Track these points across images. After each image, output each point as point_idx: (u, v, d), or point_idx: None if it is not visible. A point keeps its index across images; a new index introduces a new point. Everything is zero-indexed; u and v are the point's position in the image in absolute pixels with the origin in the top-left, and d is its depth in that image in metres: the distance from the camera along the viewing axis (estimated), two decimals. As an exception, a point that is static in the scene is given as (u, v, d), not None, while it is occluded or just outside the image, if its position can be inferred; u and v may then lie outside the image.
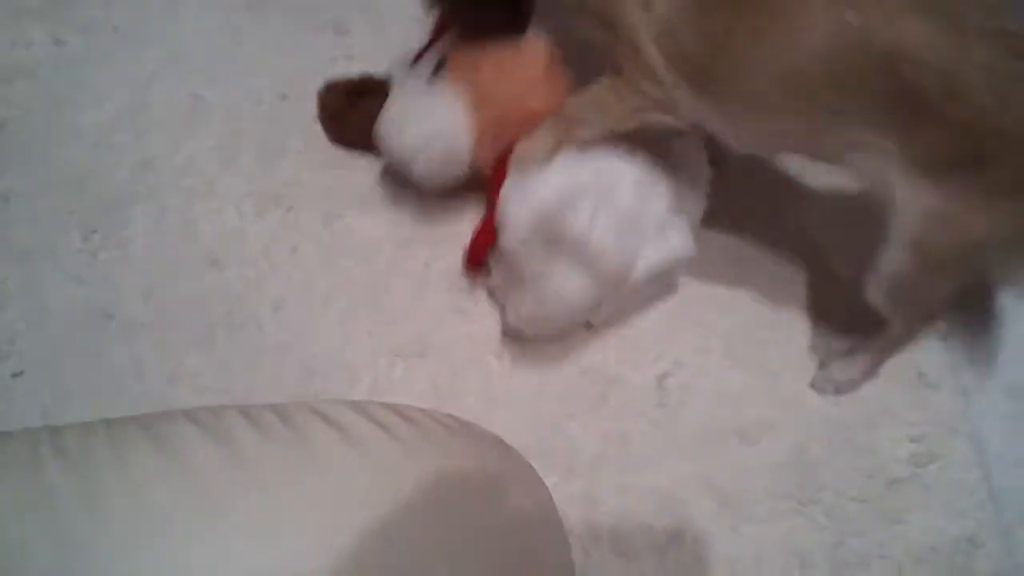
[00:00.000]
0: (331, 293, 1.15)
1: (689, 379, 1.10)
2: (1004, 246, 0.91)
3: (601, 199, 0.99)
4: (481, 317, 1.14)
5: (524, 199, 1.00)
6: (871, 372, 1.08)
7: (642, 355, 1.12)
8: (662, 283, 1.12)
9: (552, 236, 0.99)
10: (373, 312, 1.14)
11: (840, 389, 1.08)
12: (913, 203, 0.87)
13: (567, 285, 1.02)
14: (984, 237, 0.89)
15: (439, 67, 1.08)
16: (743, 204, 1.18)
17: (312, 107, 1.27)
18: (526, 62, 1.04)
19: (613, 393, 1.09)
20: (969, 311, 1.13)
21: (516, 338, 1.12)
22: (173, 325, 1.12)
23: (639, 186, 1.01)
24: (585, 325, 1.12)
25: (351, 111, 1.23)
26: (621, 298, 1.07)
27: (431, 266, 1.17)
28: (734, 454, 1.06)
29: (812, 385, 1.09)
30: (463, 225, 1.18)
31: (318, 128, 1.26)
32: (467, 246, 1.11)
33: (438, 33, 1.12)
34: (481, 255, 1.10)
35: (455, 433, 0.72)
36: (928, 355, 1.10)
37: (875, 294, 0.96)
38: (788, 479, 1.04)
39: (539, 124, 1.01)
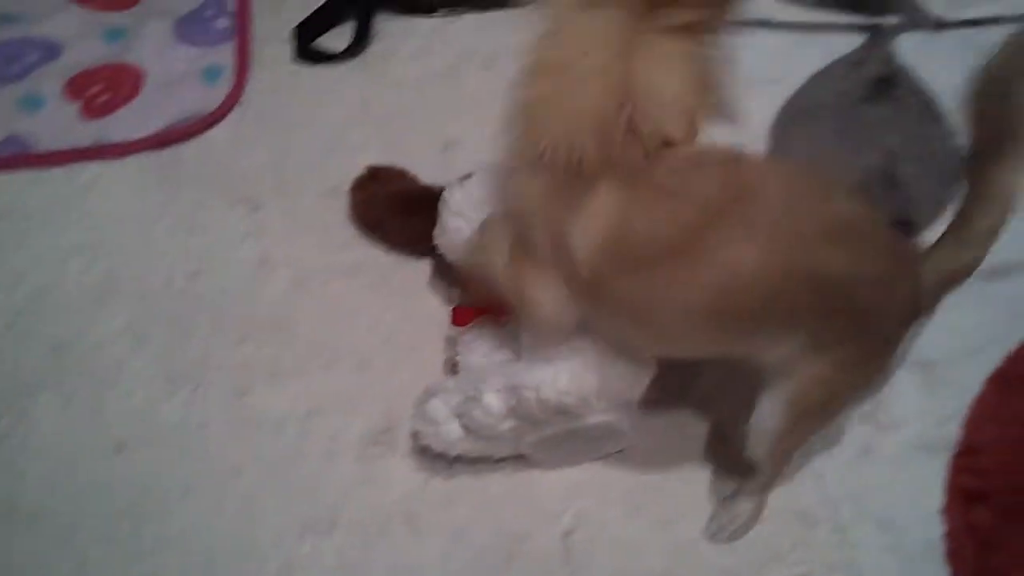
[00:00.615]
0: (240, 470, 1.20)
1: (593, 533, 1.15)
2: (859, 397, 1.07)
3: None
4: (391, 486, 1.19)
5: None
6: (755, 516, 1.15)
7: (547, 512, 1.17)
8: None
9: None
10: (282, 487, 1.19)
11: (731, 536, 1.14)
12: (802, 372, 0.98)
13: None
14: (847, 392, 1.03)
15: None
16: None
17: (223, 280, 1.35)
18: None
19: (520, 554, 1.14)
20: (841, 446, 1.20)
21: (426, 504, 1.17)
22: (78, 515, 1.16)
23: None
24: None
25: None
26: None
27: (339, 437, 1.22)
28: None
29: (705, 534, 1.15)
30: (372, 394, 1.25)
31: (228, 303, 1.34)
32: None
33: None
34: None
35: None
36: (806, 493, 1.18)
37: (754, 448, 1.05)
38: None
39: None
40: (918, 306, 1.00)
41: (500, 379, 1.11)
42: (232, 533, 1.15)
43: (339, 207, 1.41)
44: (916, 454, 1.20)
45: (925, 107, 1.58)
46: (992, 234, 0.97)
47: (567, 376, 1.07)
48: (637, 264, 0.95)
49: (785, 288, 0.92)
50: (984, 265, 1.34)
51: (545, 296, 1.02)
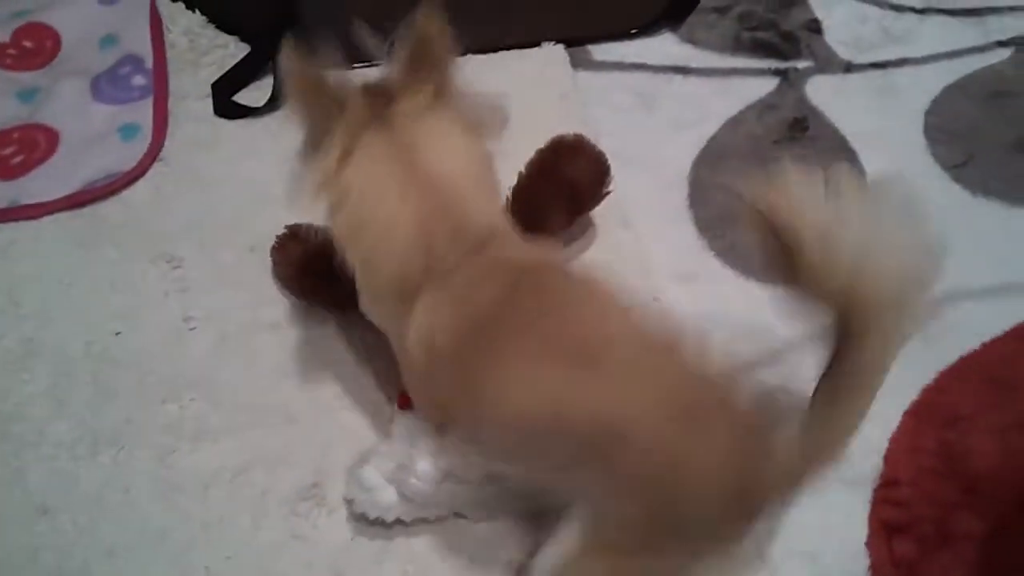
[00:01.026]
0: (166, 531, 1.22)
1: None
2: None
3: None
4: (321, 541, 1.21)
5: None
6: None
7: (481, 563, 1.20)
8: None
9: None
10: (210, 548, 1.20)
11: None
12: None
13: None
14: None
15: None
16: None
17: (145, 339, 1.38)
18: None
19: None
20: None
21: (355, 561, 1.20)
22: (2, 581, 1.16)
23: None
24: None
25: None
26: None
27: (269, 494, 1.25)
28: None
29: None
30: (300, 450, 1.28)
31: (151, 362, 1.36)
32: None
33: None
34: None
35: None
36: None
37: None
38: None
39: None
40: (747, 505, 0.89)
41: (432, 442, 1.15)
42: (160, 594, 1.18)
43: (262, 262, 1.44)
44: (841, 487, 1.26)
45: (839, 147, 1.69)
46: (860, 418, 0.88)
47: None
48: (445, 366, 1.00)
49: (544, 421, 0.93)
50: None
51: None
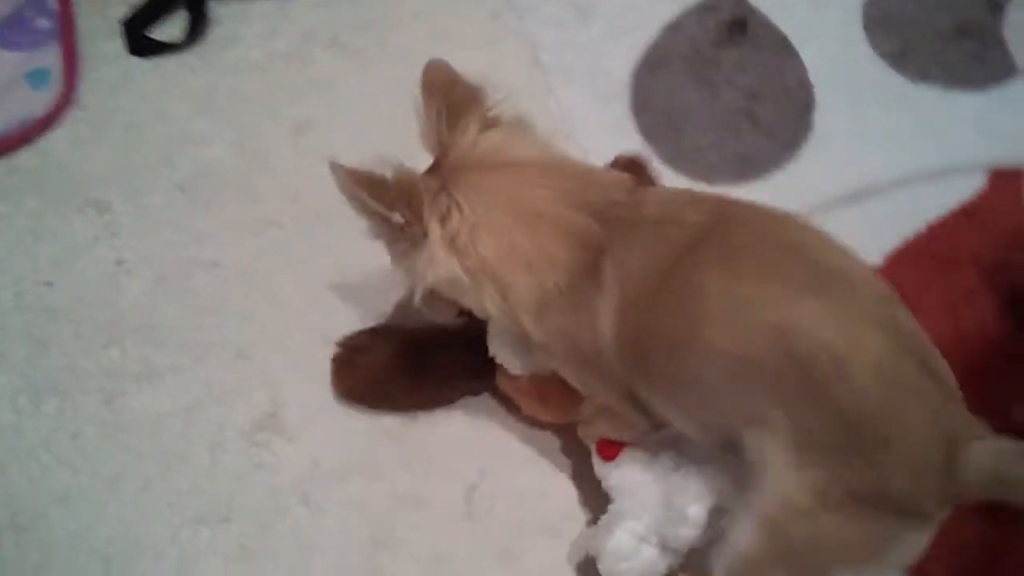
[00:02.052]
0: (121, 474, 1.29)
1: (494, 487, 1.29)
2: (851, 560, 0.98)
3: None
4: (283, 467, 1.30)
5: None
6: None
7: (445, 474, 1.30)
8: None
9: None
10: (169, 485, 1.28)
11: None
12: (778, 484, 0.95)
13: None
14: (836, 542, 0.96)
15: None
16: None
17: (78, 286, 1.44)
18: None
19: (424, 514, 1.27)
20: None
21: (320, 482, 1.28)
22: (-44, 536, 1.23)
23: None
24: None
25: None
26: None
27: (224, 428, 1.33)
28: (542, 550, 1.25)
29: None
30: (253, 382, 1.36)
31: (87, 309, 1.42)
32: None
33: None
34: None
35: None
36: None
37: (718, 568, 1.04)
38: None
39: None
40: (950, 472, 0.90)
41: (694, 486, 1.15)
42: (122, 534, 1.25)
43: (192, 201, 1.52)
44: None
45: (779, 44, 1.79)
46: None
47: None
48: (645, 305, 1.00)
49: (756, 337, 0.93)
50: (844, 189, 1.57)
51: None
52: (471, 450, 1.32)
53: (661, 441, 1.19)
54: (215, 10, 1.75)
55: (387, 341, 1.34)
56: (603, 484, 1.21)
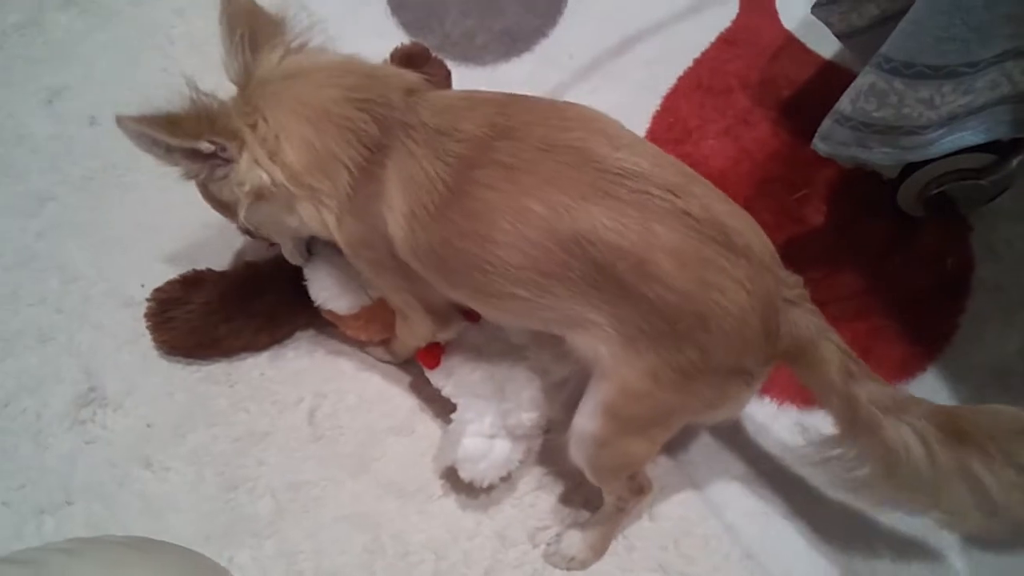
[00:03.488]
0: (-57, 484, 1.18)
1: (335, 405, 1.25)
2: (697, 417, 1.06)
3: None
4: (116, 438, 1.22)
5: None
6: (600, 549, 1.18)
7: (284, 404, 1.25)
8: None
9: None
10: (1, 483, 1.18)
11: (571, 566, 1.18)
12: (613, 374, 0.98)
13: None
14: (675, 411, 1.02)
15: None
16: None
17: None
18: None
19: (270, 448, 1.22)
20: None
21: (159, 442, 1.21)
22: None
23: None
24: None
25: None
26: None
27: (43, 414, 1.23)
28: (396, 449, 1.22)
29: (545, 558, 1.19)
30: (63, 361, 1.26)
31: None
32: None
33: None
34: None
35: (146, 553, 0.77)
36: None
37: (575, 454, 1.07)
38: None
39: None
40: (769, 338, 0.95)
41: (522, 372, 1.15)
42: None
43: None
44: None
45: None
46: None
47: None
48: (433, 219, 0.97)
49: (556, 248, 0.93)
50: (611, 41, 1.55)
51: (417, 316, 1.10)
52: (304, 378, 1.27)
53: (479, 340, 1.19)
54: (-72, -6, 1.58)
55: (199, 289, 1.26)
56: (443, 393, 1.19)
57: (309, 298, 1.20)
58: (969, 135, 1.08)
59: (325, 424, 1.23)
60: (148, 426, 1.22)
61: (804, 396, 1.24)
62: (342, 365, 1.28)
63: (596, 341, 0.97)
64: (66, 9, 1.59)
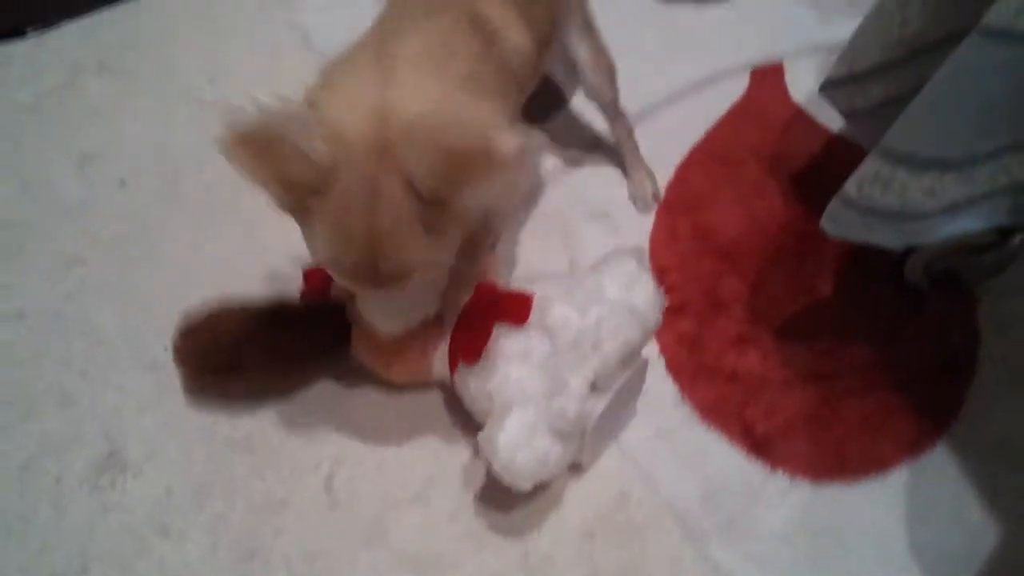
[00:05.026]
0: (-39, 549, 1.14)
1: (351, 469, 1.20)
2: None
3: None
4: (134, 504, 1.17)
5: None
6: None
7: (301, 470, 1.20)
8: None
9: None
10: (17, 548, 1.14)
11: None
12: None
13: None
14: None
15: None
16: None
17: None
18: None
19: (287, 516, 1.17)
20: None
21: (175, 510, 1.17)
22: None
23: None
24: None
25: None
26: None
27: (63, 479, 1.19)
28: (412, 520, 1.17)
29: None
30: (84, 426, 1.22)
31: None
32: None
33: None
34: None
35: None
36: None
37: (598, 82, 1.38)
38: (469, 517, 1.17)
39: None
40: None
41: (569, 363, 1.08)
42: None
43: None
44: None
45: None
46: None
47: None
48: None
49: None
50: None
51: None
52: (322, 441, 1.22)
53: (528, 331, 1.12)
54: (-26, 61, 1.58)
55: (230, 317, 1.21)
56: (471, 392, 1.13)
57: (339, 339, 1.18)
58: (970, 222, 1.06)
59: (342, 491, 1.18)
60: (166, 492, 1.18)
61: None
62: (362, 427, 1.23)
63: None
64: (100, 75, 1.58)
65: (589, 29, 1.35)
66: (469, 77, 0.98)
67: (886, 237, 1.07)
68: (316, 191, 0.88)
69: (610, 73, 1.39)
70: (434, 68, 0.96)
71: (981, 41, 0.87)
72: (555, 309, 1.12)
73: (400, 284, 0.94)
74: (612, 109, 1.43)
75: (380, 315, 1.06)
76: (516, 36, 1.09)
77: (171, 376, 1.25)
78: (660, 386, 1.27)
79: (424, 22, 0.99)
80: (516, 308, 1.12)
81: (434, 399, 1.26)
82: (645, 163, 1.47)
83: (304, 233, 0.94)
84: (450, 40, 0.99)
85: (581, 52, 1.34)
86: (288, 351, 1.22)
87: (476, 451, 1.18)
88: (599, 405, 1.09)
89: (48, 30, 1.64)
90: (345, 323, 1.18)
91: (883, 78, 1.17)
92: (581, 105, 1.55)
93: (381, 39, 1.00)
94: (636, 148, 1.47)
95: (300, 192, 0.88)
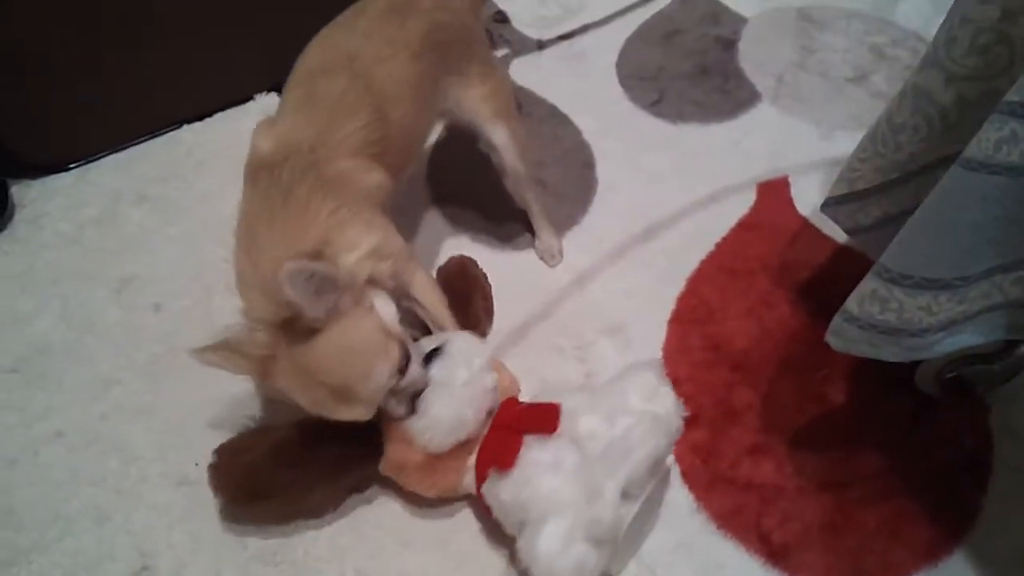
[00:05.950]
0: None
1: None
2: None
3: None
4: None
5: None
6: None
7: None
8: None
9: None
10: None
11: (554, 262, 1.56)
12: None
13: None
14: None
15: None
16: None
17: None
18: None
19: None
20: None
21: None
22: None
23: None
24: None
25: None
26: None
27: None
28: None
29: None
30: (118, 540, 1.24)
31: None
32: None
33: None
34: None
35: None
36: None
37: (513, 163, 1.45)
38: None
39: None
40: None
41: (601, 471, 1.09)
42: None
43: (28, 379, 1.41)
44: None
45: (552, 116, 1.80)
46: None
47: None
48: None
49: None
50: (637, 229, 1.58)
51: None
52: (347, 554, 1.23)
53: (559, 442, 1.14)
54: (18, 193, 1.67)
55: (263, 439, 1.24)
56: (502, 502, 1.13)
57: (371, 451, 1.20)
58: (968, 337, 1.08)
59: (364, 601, 1.20)
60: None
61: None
62: (384, 540, 1.24)
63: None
64: (139, 205, 1.65)
65: (503, 116, 1.42)
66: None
67: (889, 353, 1.09)
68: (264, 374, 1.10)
69: (524, 151, 1.46)
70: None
71: (963, 172, 0.91)
72: (583, 419, 1.14)
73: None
74: (526, 181, 1.50)
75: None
76: (375, 175, 1.20)
77: (201, 491, 1.25)
78: (675, 495, 1.28)
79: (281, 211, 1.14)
80: (545, 418, 1.16)
81: (458, 510, 1.27)
82: (549, 223, 1.57)
83: None
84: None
85: (497, 139, 1.42)
86: (317, 470, 1.23)
87: (511, 559, 1.18)
88: (631, 512, 1.10)
89: (91, 163, 1.72)
90: (373, 439, 1.21)
91: (881, 198, 1.21)
92: (598, 218, 1.62)
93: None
94: (542, 210, 1.56)
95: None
